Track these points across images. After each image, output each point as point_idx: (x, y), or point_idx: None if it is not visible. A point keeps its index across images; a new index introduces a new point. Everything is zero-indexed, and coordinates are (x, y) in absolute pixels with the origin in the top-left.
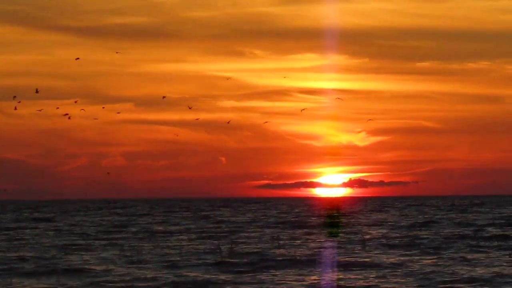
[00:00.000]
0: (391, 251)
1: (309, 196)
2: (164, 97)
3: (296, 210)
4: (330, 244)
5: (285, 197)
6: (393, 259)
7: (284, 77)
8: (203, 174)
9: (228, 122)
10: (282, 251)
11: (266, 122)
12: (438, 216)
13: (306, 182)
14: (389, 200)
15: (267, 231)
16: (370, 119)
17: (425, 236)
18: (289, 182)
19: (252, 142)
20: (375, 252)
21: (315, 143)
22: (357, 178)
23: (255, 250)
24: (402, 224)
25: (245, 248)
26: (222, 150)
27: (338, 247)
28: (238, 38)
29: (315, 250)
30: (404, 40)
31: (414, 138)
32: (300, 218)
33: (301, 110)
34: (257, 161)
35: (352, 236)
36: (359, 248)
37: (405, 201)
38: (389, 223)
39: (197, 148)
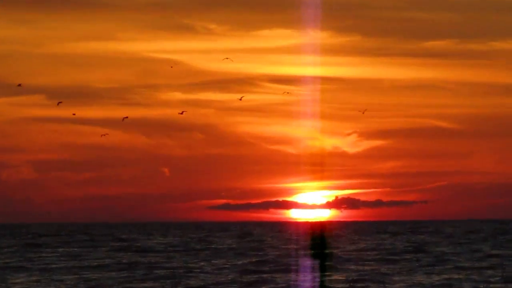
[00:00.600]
0: None
1: (282, 219)
2: (19, 85)
3: (255, 239)
4: None
5: (250, 220)
6: None
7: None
8: (139, 191)
9: (181, 113)
10: None
11: (225, 120)
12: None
13: (277, 201)
14: (389, 226)
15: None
16: (365, 110)
17: None
18: (255, 201)
19: (205, 147)
20: None
21: (289, 149)
22: (346, 196)
23: None
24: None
25: None
26: (165, 158)
27: None
28: (186, 8)
29: None
30: (409, 11)
31: (423, 142)
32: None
33: (274, 105)
34: (212, 173)
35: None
36: None
37: (414, 226)
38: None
39: (131, 156)
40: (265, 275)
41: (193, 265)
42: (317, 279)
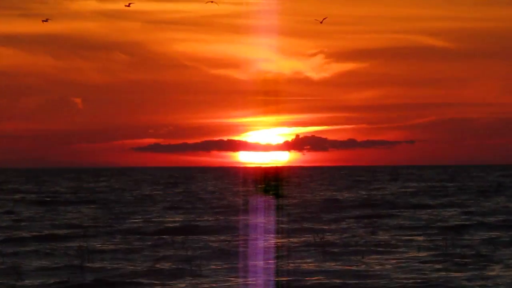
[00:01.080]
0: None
1: (227, 164)
2: None
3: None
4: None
5: (186, 166)
6: None
7: None
8: (42, 128)
9: (128, 5)
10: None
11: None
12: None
13: (221, 141)
14: (363, 172)
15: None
16: (325, 18)
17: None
18: (193, 141)
19: (128, 72)
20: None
21: (237, 74)
22: (309, 135)
23: None
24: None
25: None
26: (77, 86)
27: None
28: None
29: None
30: None
31: (408, 66)
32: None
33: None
34: (138, 105)
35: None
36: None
37: (396, 172)
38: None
39: (33, 82)
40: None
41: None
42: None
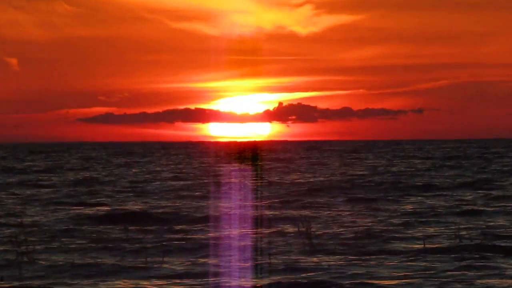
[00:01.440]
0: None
1: (194, 138)
2: None
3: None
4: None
5: (145, 141)
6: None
7: None
8: None
9: None
10: None
11: None
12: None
13: (187, 110)
14: (361, 147)
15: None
16: None
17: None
18: (153, 110)
19: (73, 26)
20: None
21: (206, 28)
22: (295, 103)
23: None
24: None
25: None
26: (12, 43)
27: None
28: None
29: None
30: None
31: (417, 18)
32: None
33: None
34: (85, 67)
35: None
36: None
37: (400, 147)
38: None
39: None
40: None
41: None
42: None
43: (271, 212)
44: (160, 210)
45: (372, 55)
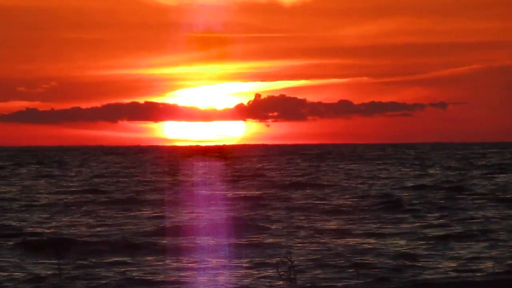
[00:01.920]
0: None
1: (143, 142)
2: None
3: None
4: None
5: (78, 145)
6: None
7: None
8: None
9: None
10: None
11: None
12: None
13: (134, 105)
14: (363, 152)
15: None
16: None
17: None
18: (88, 105)
19: None
20: None
21: None
22: (277, 94)
23: None
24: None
25: None
26: None
27: None
28: None
29: None
30: None
31: None
32: None
33: None
34: (1, 48)
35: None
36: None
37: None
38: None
39: None
40: None
41: None
42: None
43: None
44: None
45: (378, 31)
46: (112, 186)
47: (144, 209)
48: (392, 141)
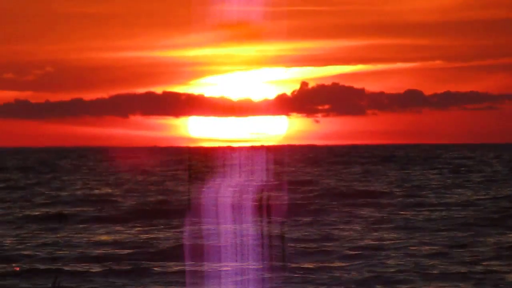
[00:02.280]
0: None
1: (161, 143)
2: None
3: None
4: None
5: (79, 146)
6: None
7: None
8: None
9: None
10: None
11: None
12: None
13: (150, 96)
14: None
15: None
16: None
17: None
18: (92, 96)
19: None
20: None
21: None
22: (329, 83)
23: None
24: None
25: None
26: None
27: None
28: None
29: None
30: None
31: None
32: None
33: None
34: None
35: None
36: None
37: None
38: None
39: None
40: None
41: None
42: None
43: None
44: None
45: (456, 3)
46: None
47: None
48: (471, 140)
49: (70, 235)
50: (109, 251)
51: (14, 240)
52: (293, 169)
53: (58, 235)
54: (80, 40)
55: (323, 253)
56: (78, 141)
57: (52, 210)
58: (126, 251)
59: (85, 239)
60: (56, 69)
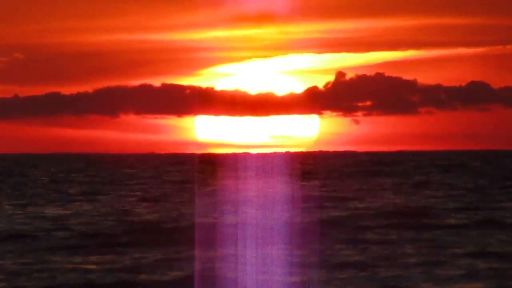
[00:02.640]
0: None
1: (163, 149)
2: None
3: None
4: None
5: (62, 152)
6: None
7: None
8: None
9: None
10: None
11: None
12: None
13: (147, 89)
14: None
15: None
16: None
17: None
18: (75, 89)
19: None
20: None
21: None
22: (372, 73)
23: None
24: None
25: None
26: None
27: None
28: None
29: None
30: None
31: None
32: None
33: None
34: None
35: None
36: None
37: None
38: None
39: None
40: None
41: None
42: None
43: None
44: None
45: None
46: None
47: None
48: None
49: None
50: None
51: None
52: (334, 182)
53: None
54: (57, 19)
55: None
56: (54, 147)
57: None
58: None
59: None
60: (27, 55)
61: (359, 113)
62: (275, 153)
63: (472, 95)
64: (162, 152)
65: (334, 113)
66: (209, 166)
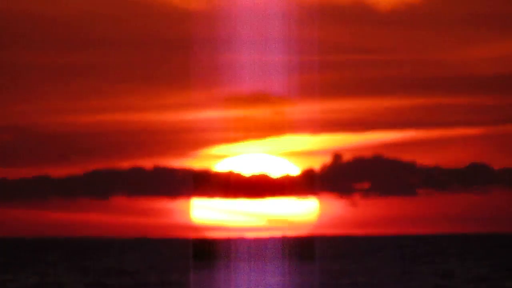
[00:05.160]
0: None
1: (157, 233)
2: None
3: None
4: None
5: (43, 236)
6: None
7: None
8: None
9: None
10: None
11: None
12: None
13: (137, 172)
14: None
15: None
16: None
17: None
18: (63, 172)
19: None
20: None
21: None
22: (369, 154)
23: None
24: None
25: None
26: None
27: None
28: None
29: None
30: None
31: None
32: None
33: None
34: None
35: None
36: None
37: None
38: None
39: None
40: None
41: None
42: None
43: None
44: None
45: None
46: None
47: None
48: None
49: None
50: None
51: None
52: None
53: None
54: (46, 100)
55: None
56: (42, 230)
57: None
58: None
59: None
60: (15, 136)
61: (357, 195)
62: (270, 237)
63: (472, 177)
64: (155, 236)
65: (331, 196)
66: (203, 256)
